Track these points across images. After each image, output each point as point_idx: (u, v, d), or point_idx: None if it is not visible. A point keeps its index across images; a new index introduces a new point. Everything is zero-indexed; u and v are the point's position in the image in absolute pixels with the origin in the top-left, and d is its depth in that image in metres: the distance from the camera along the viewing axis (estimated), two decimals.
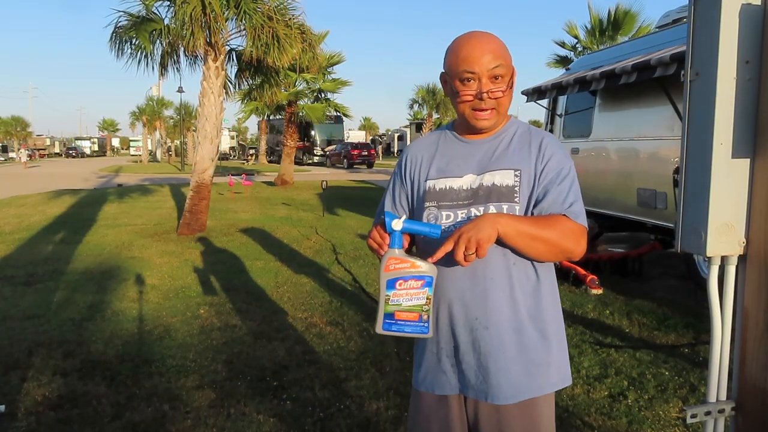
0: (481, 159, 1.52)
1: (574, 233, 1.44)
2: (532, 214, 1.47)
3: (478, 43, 1.46)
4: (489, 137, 1.55)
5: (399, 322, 1.37)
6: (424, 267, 1.38)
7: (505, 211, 1.45)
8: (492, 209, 1.45)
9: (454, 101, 1.51)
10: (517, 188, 1.46)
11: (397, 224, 1.38)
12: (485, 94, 1.44)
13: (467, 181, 1.50)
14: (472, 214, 1.46)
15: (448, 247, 1.34)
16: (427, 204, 1.53)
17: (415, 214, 1.58)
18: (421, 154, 1.61)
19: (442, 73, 1.53)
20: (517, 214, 1.45)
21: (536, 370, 1.50)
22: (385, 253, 1.40)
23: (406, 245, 1.44)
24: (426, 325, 1.38)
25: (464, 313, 1.48)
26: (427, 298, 1.38)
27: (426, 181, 1.55)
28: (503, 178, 1.47)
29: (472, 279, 1.46)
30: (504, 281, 1.47)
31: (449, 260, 1.37)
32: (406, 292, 1.36)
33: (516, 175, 1.47)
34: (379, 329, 1.39)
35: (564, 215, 1.44)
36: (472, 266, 1.41)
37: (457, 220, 1.48)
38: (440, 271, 1.43)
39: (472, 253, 1.32)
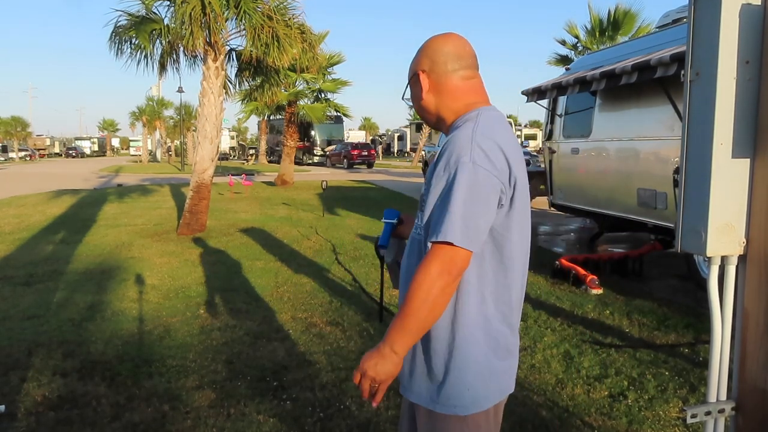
0: None
1: (422, 272, 1.34)
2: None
3: None
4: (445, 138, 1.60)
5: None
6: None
7: (419, 219, 1.49)
8: (419, 216, 1.50)
9: None
10: (425, 197, 1.46)
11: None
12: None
13: None
14: (417, 220, 1.54)
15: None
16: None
17: None
18: None
19: None
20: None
21: (438, 386, 1.47)
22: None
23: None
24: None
25: None
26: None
27: None
28: (423, 186, 1.50)
29: (403, 284, 1.55)
30: None
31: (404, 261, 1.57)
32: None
33: (426, 184, 1.47)
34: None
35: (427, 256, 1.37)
36: (405, 267, 1.55)
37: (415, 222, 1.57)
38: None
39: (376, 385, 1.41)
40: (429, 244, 1.37)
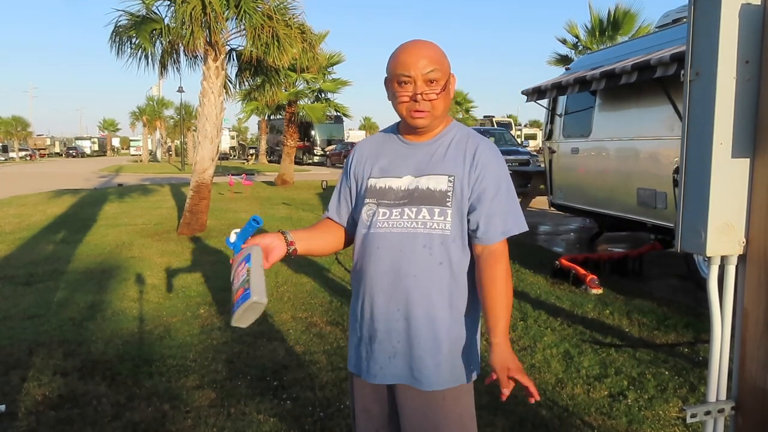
0: (420, 162, 1.61)
1: (504, 269, 1.55)
2: (469, 220, 1.57)
3: (415, 49, 1.56)
4: (429, 140, 1.62)
5: (236, 302, 1.54)
6: (245, 251, 1.60)
7: (436, 215, 1.55)
8: (424, 211, 1.56)
9: (394, 103, 1.60)
10: (449, 193, 1.56)
11: (232, 237, 1.66)
12: (419, 96, 1.53)
13: (405, 182, 1.60)
14: (405, 214, 1.57)
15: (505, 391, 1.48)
16: (368, 200, 1.65)
17: (356, 208, 1.69)
18: (367, 153, 1.71)
19: (386, 78, 1.61)
20: (449, 216, 1.56)
21: (455, 362, 1.59)
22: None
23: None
24: (248, 291, 1.50)
25: (386, 305, 1.58)
26: (248, 271, 1.55)
27: (369, 179, 1.66)
28: (437, 183, 1.57)
29: (396, 274, 1.56)
30: (428, 279, 1.56)
31: (373, 258, 1.57)
32: (237, 276, 1.57)
33: (450, 181, 1.56)
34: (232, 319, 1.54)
35: (496, 255, 1.54)
36: (396, 263, 1.55)
37: (392, 217, 1.59)
38: (365, 267, 1.60)
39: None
40: (494, 238, 1.54)
